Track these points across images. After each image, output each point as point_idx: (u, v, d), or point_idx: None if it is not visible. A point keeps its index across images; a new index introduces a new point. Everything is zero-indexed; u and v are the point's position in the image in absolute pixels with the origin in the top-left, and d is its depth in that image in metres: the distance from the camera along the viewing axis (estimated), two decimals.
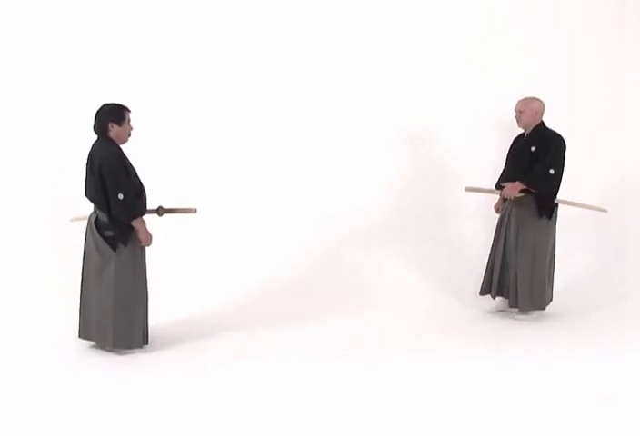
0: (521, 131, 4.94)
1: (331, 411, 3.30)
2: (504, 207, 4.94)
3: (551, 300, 4.86)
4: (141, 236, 4.03)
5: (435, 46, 5.70)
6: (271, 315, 4.79)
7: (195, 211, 4.33)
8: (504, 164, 5.01)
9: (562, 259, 5.07)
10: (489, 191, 4.98)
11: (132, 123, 4.05)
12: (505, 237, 4.85)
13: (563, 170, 4.73)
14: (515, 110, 4.84)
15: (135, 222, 4.00)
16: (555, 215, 4.80)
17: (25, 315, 4.70)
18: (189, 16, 5.49)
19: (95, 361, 3.96)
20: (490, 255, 4.97)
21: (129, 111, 4.05)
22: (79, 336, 4.15)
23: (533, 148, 4.72)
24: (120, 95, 4.34)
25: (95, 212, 4.08)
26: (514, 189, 4.72)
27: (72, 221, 4.54)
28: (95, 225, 4.03)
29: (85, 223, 4.21)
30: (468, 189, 4.96)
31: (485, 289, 4.95)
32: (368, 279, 5.46)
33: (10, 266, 5.18)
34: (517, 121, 4.85)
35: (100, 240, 4.01)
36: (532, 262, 4.74)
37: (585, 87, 5.73)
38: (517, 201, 4.76)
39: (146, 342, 4.16)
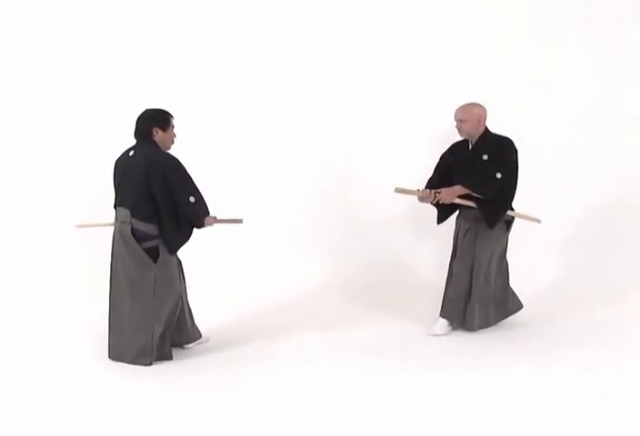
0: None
1: (344, 420, 3.27)
2: (458, 222, 4.57)
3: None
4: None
5: (427, 47, 5.61)
6: (272, 328, 4.63)
7: (242, 221, 4.19)
8: (433, 173, 4.56)
9: (561, 261, 5.08)
10: (418, 192, 4.35)
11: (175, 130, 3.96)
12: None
13: (516, 175, 4.36)
14: (456, 119, 4.39)
15: (208, 220, 3.93)
16: (510, 227, 4.48)
17: (34, 325, 4.63)
18: (197, 25, 5.46)
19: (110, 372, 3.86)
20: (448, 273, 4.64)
21: (172, 117, 3.94)
22: (110, 357, 3.97)
23: (485, 156, 4.32)
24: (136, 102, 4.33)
25: (127, 222, 3.87)
26: (452, 194, 4.29)
27: (77, 227, 4.36)
28: (133, 236, 3.85)
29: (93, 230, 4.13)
30: (398, 190, 4.31)
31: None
32: (381, 290, 5.40)
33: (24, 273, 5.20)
34: (459, 130, 4.41)
35: (139, 250, 3.84)
36: (496, 275, 4.51)
37: (585, 86, 5.62)
38: (475, 215, 4.38)
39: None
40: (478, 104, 4.40)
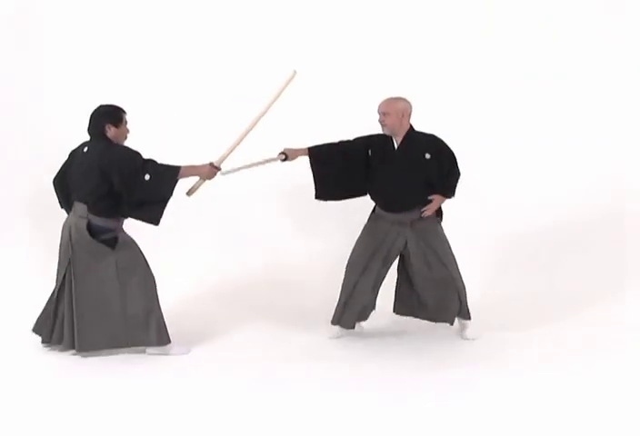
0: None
1: (345, 420, 3.31)
2: (390, 228, 4.23)
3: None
4: (204, 174, 3.94)
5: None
6: (268, 327, 4.62)
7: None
8: (332, 143, 4.23)
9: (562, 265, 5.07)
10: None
11: (128, 126, 3.99)
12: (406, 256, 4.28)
13: None
14: (379, 112, 4.11)
15: (184, 173, 3.87)
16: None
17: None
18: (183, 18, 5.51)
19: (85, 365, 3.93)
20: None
21: (125, 112, 3.98)
22: (78, 350, 3.96)
23: (427, 155, 4.07)
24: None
25: (84, 216, 3.91)
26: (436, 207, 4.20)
27: None
28: (89, 230, 3.90)
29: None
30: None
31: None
32: None
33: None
34: (382, 125, 4.12)
35: (94, 242, 3.90)
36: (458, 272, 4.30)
37: (584, 84, 5.53)
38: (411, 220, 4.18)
39: None
40: (403, 99, 4.14)
